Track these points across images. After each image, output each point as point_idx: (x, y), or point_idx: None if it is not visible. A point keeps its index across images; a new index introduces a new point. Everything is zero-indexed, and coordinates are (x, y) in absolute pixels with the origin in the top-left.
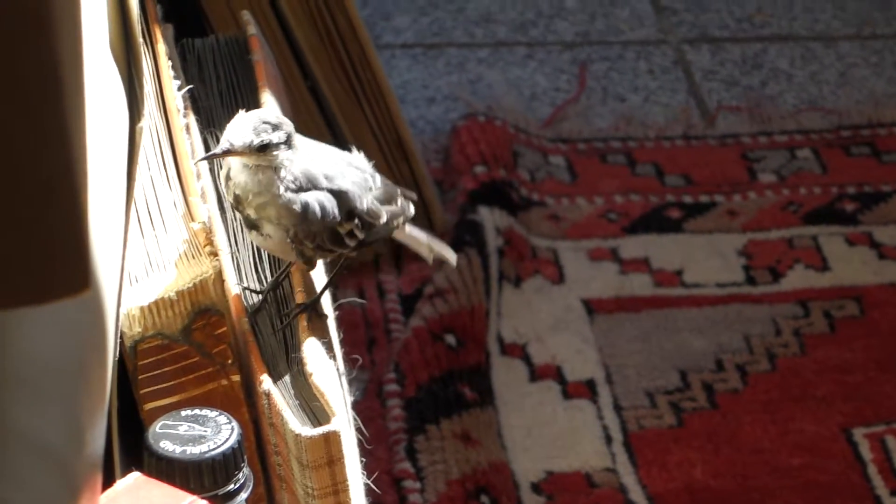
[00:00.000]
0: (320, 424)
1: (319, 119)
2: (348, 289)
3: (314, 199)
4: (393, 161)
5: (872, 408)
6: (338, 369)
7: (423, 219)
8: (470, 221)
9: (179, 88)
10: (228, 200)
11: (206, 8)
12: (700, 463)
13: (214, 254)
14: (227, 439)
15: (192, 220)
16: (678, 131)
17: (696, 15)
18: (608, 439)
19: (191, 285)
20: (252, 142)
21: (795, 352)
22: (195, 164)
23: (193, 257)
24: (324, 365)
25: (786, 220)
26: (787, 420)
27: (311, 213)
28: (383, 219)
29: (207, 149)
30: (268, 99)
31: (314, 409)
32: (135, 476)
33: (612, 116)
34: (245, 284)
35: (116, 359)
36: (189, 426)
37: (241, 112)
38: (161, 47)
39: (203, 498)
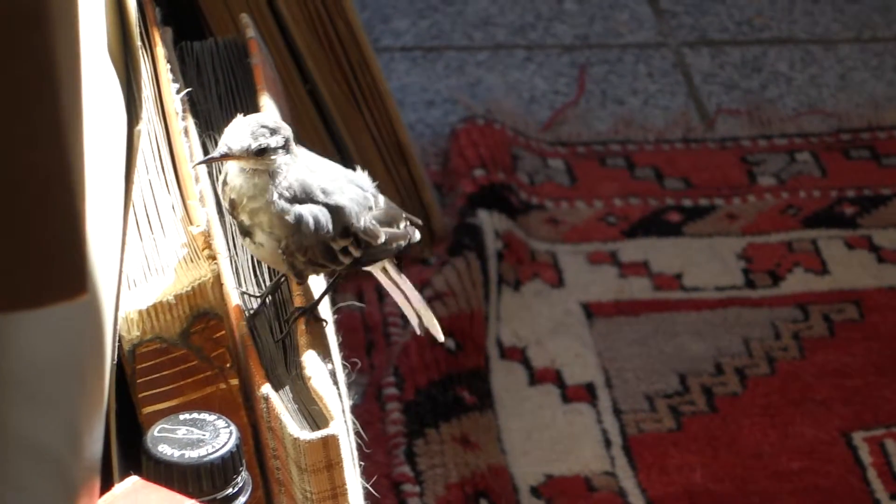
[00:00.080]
0: (319, 428)
1: (318, 122)
2: (347, 292)
3: (308, 211)
4: (392, 164)
5: (872, 411)
6: (336, 373)
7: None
8: (469, 225)
9: (178, 91)
10: (224, 206)
11: (204, 11)
12: (699, 467)
13: (213, 257)
14: (226, 443)
15: (191, 223)
16: (678, 134)
17: (696, 18)
18: (607, 443)
19: (189, 289)
20: (250, 146)
21: (795, 355)
22: (193, 167)
23: (192, 261)
24: (322, 369)
25: (785, 224)
26: (787, 424)
27: (304, 226)
28: (381, 239)
29: (206, 152)
30: (266, 102)
31: (313, 413)
32: (133, 480)
33: (612, 120)
34: (244, 289)
35: (114, 362)
36: (187, 430)
37: (240, 116)
38: (160, 50)
39: (201, 502)
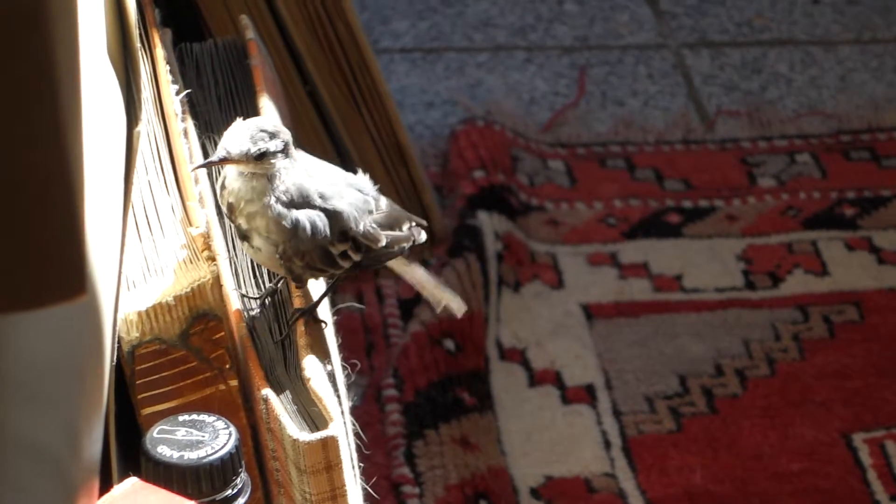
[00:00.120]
0: (318, 429)
1: (318, 124)
2: (347, 294)
3: (305, 216)
4: (391, 166)
5: (872, 413)
6: (335, 374)
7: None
8: (469, 226)
9: (177, 93)
10: (223, 210)
11: (204, 12)
12: (699, 468)
13: (212, 258)
14: (225, 444)
15: (190, 224)
16: (677, 136)
17: (696, 19)
18: (607, 444)
19: (188, 290)
20: (249, 150)
21: (795, 357)
22: (192, 171)
23: (191, 262)
24: (321, 370)
25: (785, 225)
26: (787, 425)
27: (301, 231)
28: (382, 242)
29: (206, 154)
30: (266, 104)
31: (312, 414)
32: (132, 481)
33: (612, 121)
34: (243, 291)
35: (114, 363)
36: (187, 431)
37: (239, 120)
38: (159, 52)
39: (200, 503)
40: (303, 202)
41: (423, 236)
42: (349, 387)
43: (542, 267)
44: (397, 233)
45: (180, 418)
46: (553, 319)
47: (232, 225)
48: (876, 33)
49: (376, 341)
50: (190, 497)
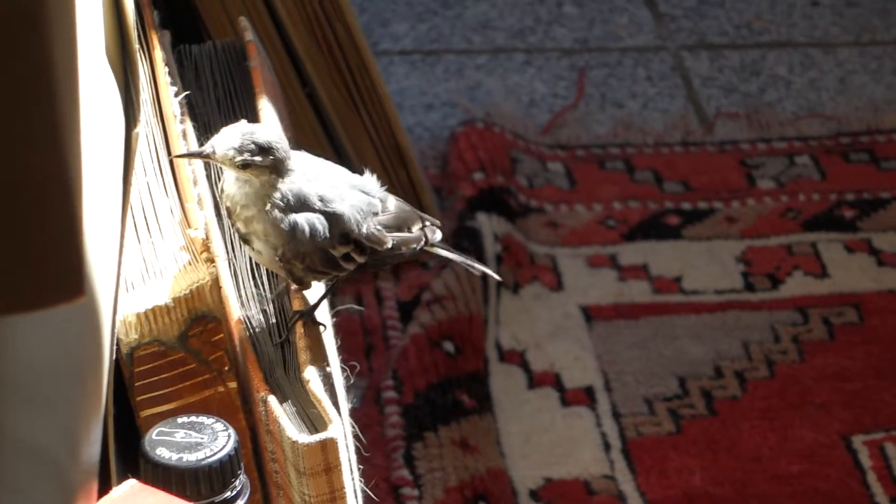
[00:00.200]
0: (317, 431)
1: (317, 126)
2: (346, 295)
3: (304, 219)
4: (391, 168)
5: (871, 415)
6: (334, 376)
7: None
8: (468, 228)
9: (176, 94)
10: (224, 212)
11: (203, 14)
12: (699, 470)
13: (211, 260)
14: (224, 446)
15: (189, 226)
16: (677, 138)
17: (695, 21)
18: (607, 446)
19: (187, 292)
20: (234, 157)
21: (794, 359)
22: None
23: (190, 264)
24: (320, 372)
25: (785, 227)
26: (786, 427)
27: (299, 233)
28: (388, 245)
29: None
30: (265, 105)
31: (311, 416)
32: (131, 483)
33: (611, 123)
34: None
35: (112, 365)
36: (186, 433)
37: (243, 121)
38: (158, 53)
39: None
40: (301, 206)
41: (438, 235)
42: (348, 389)
43: (541, 269)
44: (405, 234)
45: (179, 420)
46: (552, 321)
47: (232, 227)
48: (875, 35)
49: (375, 343)
50: (189, 499)
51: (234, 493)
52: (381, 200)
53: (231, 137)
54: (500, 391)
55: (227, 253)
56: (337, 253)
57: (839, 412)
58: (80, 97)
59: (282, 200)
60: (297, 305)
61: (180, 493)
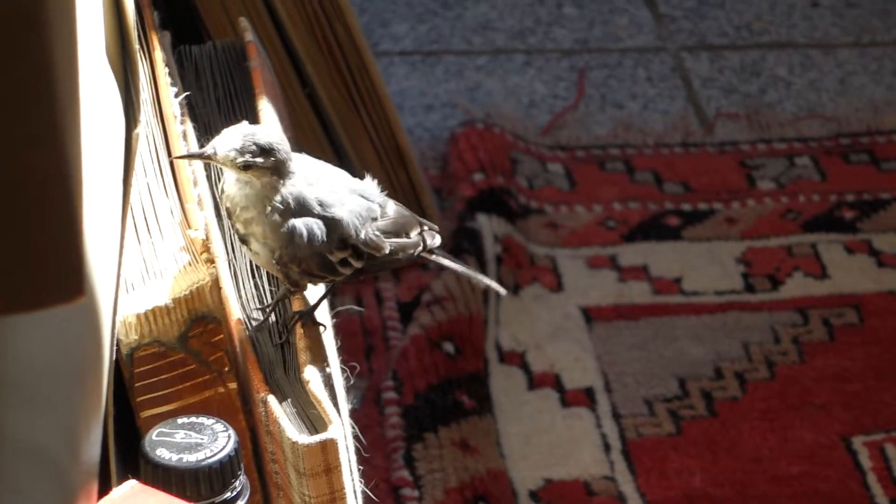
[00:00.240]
0: (317, 432)
1: (317, 126)
2: (346, 296)
3: (302, 223)
4: (391, 168)
5: (872, 416)
6: (334, 377)
7: None
8: (468, 229)
9: (176, 95)
10: (223, 213)
11: (203, 15)
12: (699, 471)
13: (211, 261)
14: (224, 447)
15: (189, 227)
16: (677, 139)
17: (695, 22)
18: (607, 447)
19: (187, 292)
20: (235, 158)
21: (794, 360)
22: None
23: (190, 264)
24: (320, 373)
25: (785, 228)
26: (786, 428)
27: (297, 237)
28: (386, 250)
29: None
30: (265, 106)
31: (311, 417)
32: (131, 484)
33: (611, 124)
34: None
35: (112, 366)
36: (186, 434)
37: (245, 123)
38: (158, 54)
39: None
40: (301, 211)
41: (437, 240)
42: (348, 390)
43: (541, 270)
44: (404, 240)
45: (179, 421)
46: (552, 322)
47: (231, 228)
48: (875, 36)
49: (375, 344)
50: (189, 500)
51: (234, 493)
52: (381, 205)
53: (232, 138)
54: (500, 392)
55: (227, 254)
56: (334, 258)
57: (839, 413)
58: (80, 97)
59: (281, 204)
60: (297, 306)
61: (180, 494)
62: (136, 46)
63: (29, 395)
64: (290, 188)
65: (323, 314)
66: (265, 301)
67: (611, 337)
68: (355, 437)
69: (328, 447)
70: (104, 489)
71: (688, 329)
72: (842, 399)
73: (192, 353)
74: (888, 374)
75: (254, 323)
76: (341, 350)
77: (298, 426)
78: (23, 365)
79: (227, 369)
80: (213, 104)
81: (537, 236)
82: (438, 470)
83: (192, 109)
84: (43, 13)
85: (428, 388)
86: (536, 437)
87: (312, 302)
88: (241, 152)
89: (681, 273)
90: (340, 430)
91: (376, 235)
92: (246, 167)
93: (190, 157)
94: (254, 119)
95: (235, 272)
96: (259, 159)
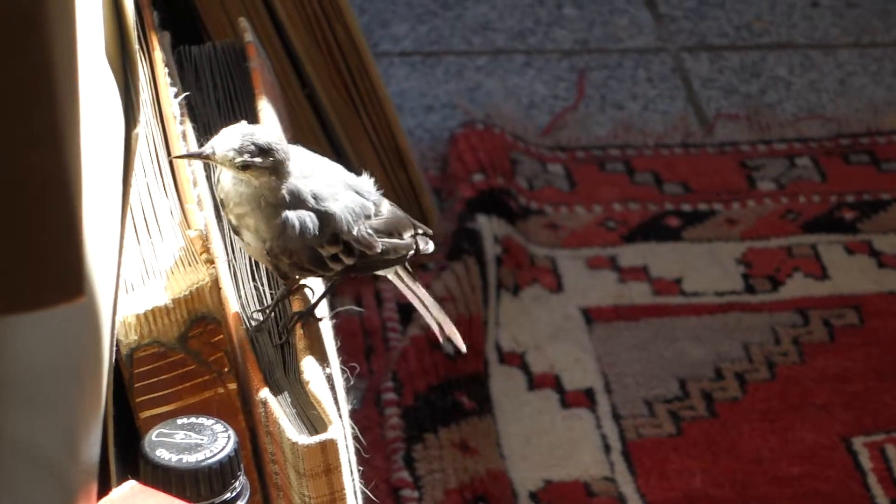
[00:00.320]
0: (317, 433)
1: (317, 127)
2: (346, 297)
3: (295, 216)
4: (390, 169)
5: (872, 417)
6: (334, 378)
7: None
8: (468, 230)
9: (176, 95)
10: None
11: (202, 15)
12: (699, 472)
13: (211, 261)
14: (224, 448)
15: (189, 227)
16: (677, 139)
17: (695, 23)
18: (607, 448)
19: (187, 293)
20: (234, 158)
21: (795, 360)
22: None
23: (190, 265)
24: (320, 373)
25: (785, 229)
26: (787, 429)
27: (289, 230)
28: (377, 249)
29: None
30: (264, 107)
31: (311, 418)
32: (130, 485)
33: (611, 124)
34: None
35: (112, 366)
36: (185, 434)
37: (243, 122)
38: (158, 54)
39: None
40: (295, 203)
41: (430, 246)
42: (348, 390)
43: (541, 270)
44: (396, 240)
45: (179, 421)
46: (552, 323)
47: (224, 218)
48: (875, 37)
49: (375, 345)
50: (188, 500)
51: (234, 494)
52: (375, 204)
53: (231, 138)
54: (499, 393)
55: (227, 254)
56: (325, 252)
57: (840, 414)
58: (80, 97)
59: (276, 198)
60: (296, 307)
61: (180, 495)
62: (136, 47)
63: (28, 396)
64: (287, 182)
65: (322, 314)
66: (265, 302)
67: (611, 338)
68: (355, 438)
69: (328, 448)
70: (104, 490)
71: (688, 330)
72: (842, 400)
73: (191, 354)
74: (888, 374)
75: (254, 323)
76: (341, 351)
77: (298, 427)
78: (22, 365)
79: (226, 370)
80: (213, 104)
81: (537, 237)
82: (438, 471)
83: (192, 110)
84: (43, 13)
85: (428, 388)
86: (536, 438)
87: (312, 302)
88: (240, 152)
89: (681, 274)
90: (340, 430)
91: (369, 233)
92: (244, 167)
93: (188, 156)
94: (253, 119)
95: (235, 273)
96: (258, 159)
